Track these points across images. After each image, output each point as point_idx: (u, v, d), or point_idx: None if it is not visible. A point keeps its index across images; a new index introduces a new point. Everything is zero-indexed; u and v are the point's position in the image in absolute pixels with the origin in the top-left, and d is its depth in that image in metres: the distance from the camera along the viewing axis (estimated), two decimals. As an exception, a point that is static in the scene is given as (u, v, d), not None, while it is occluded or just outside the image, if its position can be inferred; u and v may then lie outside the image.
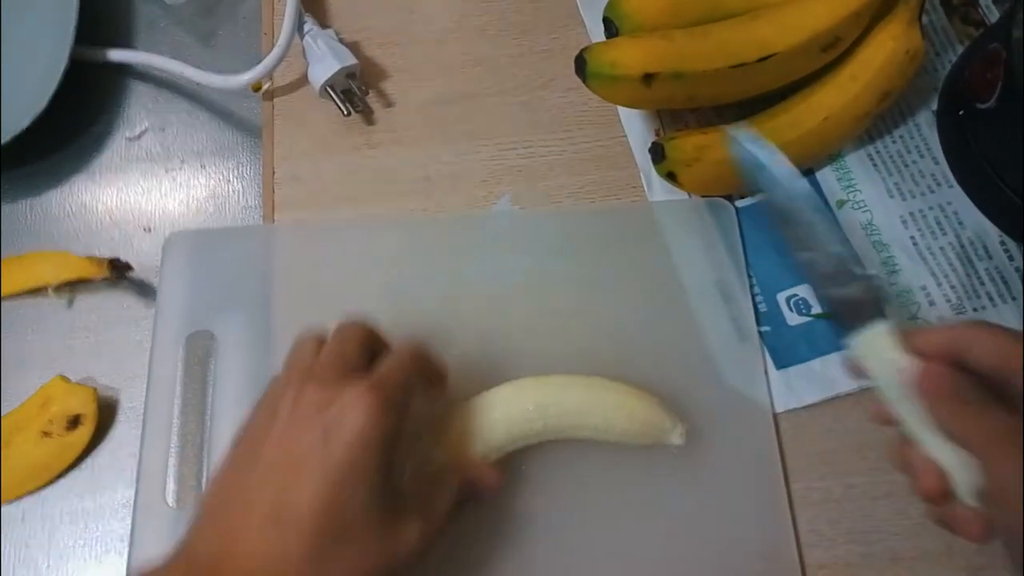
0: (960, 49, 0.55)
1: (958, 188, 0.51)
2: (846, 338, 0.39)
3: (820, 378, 0.49)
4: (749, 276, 0.51)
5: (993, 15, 0.55)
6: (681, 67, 0.47)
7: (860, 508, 0.46)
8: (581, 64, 0.48)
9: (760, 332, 0.50)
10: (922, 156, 0.53)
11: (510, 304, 0.50)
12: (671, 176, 0.50)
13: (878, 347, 0.38)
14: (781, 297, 0.50)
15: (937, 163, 0.53)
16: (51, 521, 0.48)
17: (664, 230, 0.52)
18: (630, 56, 0.47)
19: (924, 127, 0.53)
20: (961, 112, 0.50)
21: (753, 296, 0.51)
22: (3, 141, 0.52)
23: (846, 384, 0.48)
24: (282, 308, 0.51)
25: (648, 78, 0.47)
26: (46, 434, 0.49)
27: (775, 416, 0.48)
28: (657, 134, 0.54)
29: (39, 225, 0.55)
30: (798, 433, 0.48)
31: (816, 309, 0.50)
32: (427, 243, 0.52)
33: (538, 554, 0.45)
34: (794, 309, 0.50)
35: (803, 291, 0.50)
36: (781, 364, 0.49)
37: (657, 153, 0.50)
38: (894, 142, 0.53)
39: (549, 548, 0.45)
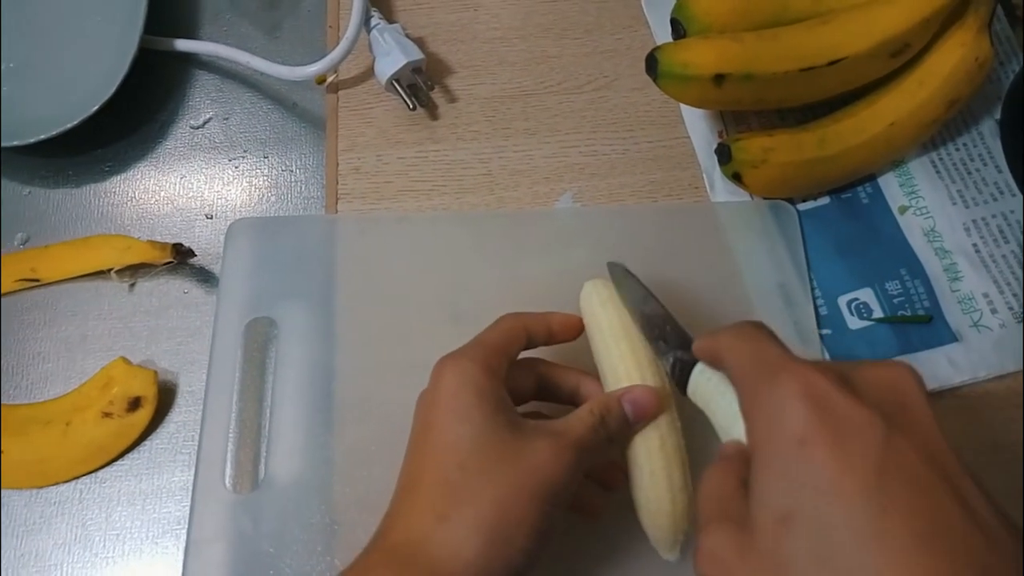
0: (1024, 59, 0.55)
1: (1021, 197, 0.52)
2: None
3: (881, 382, 0.48)
4: (810, 279, 0.51)
5: (1057, 27, 0.56)
6: (752, 69, 0.47)
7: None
8: (652, 63, 0.48)
9: (821, 335, 0.50)
10: (985, 164, 0.53)
11: (571, 301, 0.50)
12: (736, 177, 0.51)
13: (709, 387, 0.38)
14: (842, 301, 0.51)
15: (1000, 171, 0.53)
16: (109, 501, 0.48)
17: (726, 231, 0.52)
18: (702, 56, 0.47)
19: (987, 136, 0.54)
20: (1026, 121, 0.50)
21: (814, 299, 0.51)
22: (73, 124, 0.53)
23: (907, 389, 0.48)
24: (344, 297, 0.51)
25: (719, 79, 0.47)
26: (107, 415, 0.49)
27: (835, 419, 0.48)
28: (721, 135, 0.54)
29: (103, 210, 0.55)
30: (858, 437, 0.48)
31: (877, 313, 0.50)
32: (489, 238, 0.52)
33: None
34: (855, 313, 0.50)
35: (864, 295, 0.50)
36: (841, 367, 0.49)
37: (724, 154, 0.50)
38: (957, 150, 0.54)
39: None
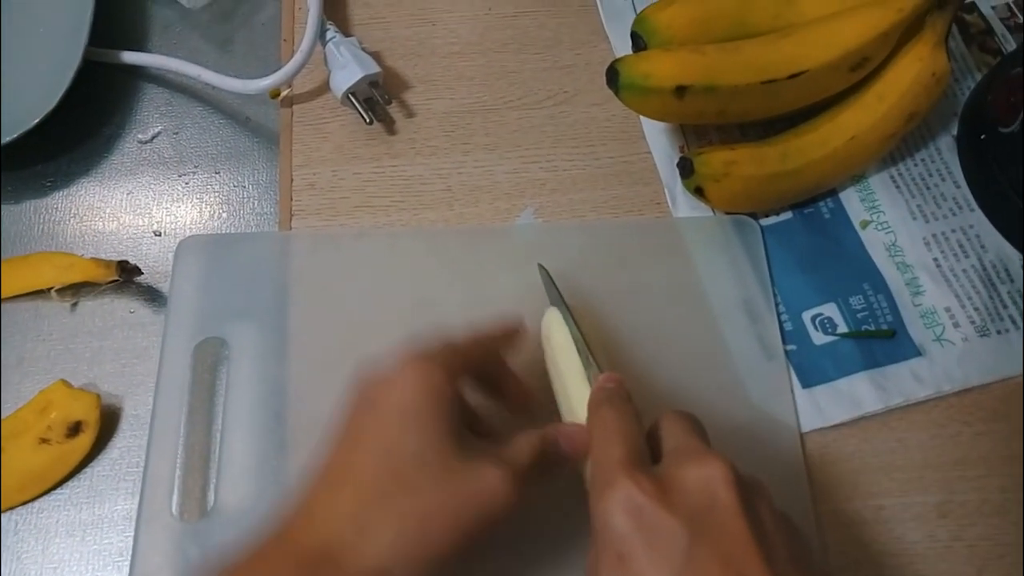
0: (979, 76, 0.56)
1: (979, 212, 0.52)
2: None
3: (846, 397, 0.48)
4: (774, 294, 0.50)
5: (1009, 44, 0.57)
6: (713, 81, 0.47)
7: (889, 530, 0.46)
8: (613, 75, 0.47)
9: (786, 351, 0.49)
10: (943, 179, 0.53)
11: (532, 318, 0.49)
12: (699, 191, 0.50)
13: None
14: (806, 316, 0.50)
15: (958, 187, 0.53)
16: (46, 533, 0.46)
17: (689, 246, 0.51)
18: (664, 68, 0.47)
19: (944, 151, 0.54)
20: (983, 136, 0.51)
21: (778, 314, 0.50)
22: (11, 138, 0.51)
23: (873, 403, 0.48)
24: (298, 316, 0.49)
25: (681, 91, 0.47)
26: (44, 441, 0.46)
27: (802, 436, 0.47)
28: (682, 150, 0.54)
29: (44, 227, 0.53)
30: (825, 453, 0.47)
31: (842, 328, 0.50)
32: (449, 254, 0.51)
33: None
34: (819, 328, 0.50)
35: (828, 310, 0.50)
36: (807, 383, 0.48)
37: (686, 168, 0.50)
38: (916, 165, 0.54)
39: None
